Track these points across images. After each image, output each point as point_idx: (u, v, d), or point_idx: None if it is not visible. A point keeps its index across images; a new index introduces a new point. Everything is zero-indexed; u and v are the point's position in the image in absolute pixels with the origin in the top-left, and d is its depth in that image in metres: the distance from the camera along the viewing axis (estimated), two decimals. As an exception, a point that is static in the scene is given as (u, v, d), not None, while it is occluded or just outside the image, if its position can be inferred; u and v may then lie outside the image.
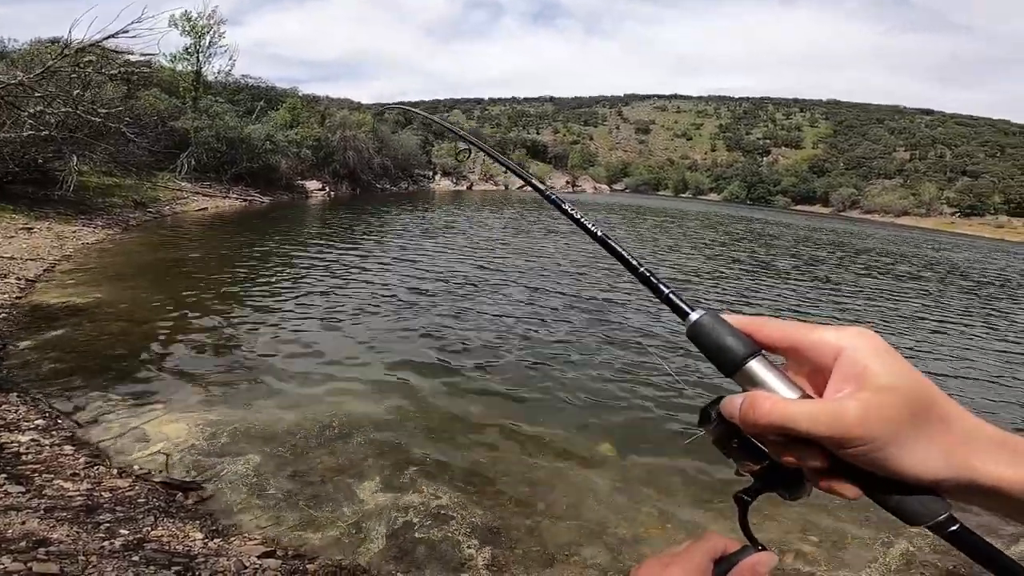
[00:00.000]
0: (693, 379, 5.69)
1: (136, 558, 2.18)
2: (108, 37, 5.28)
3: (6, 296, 5.88)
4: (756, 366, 0.39)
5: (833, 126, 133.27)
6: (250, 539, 2.70)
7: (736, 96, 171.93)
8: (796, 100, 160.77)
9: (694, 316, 0.41)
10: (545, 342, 6.45)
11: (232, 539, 2.66)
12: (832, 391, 0.37)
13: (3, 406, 3.59)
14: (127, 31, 5.23)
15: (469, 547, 2.86)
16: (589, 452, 4.03)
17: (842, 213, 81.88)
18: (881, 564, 3.08)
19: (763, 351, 0.39)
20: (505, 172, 59.68)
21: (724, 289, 11.16)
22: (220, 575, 2.30)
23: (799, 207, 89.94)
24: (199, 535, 2.58)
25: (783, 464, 0.39)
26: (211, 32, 23.40)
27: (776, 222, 40.52)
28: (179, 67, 23.41)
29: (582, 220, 0.55)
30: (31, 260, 7.50)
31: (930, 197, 76.28)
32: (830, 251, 22.37)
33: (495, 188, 53.83)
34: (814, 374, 0.39)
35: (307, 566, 2.56)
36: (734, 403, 0.38)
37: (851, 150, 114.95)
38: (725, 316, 0.41)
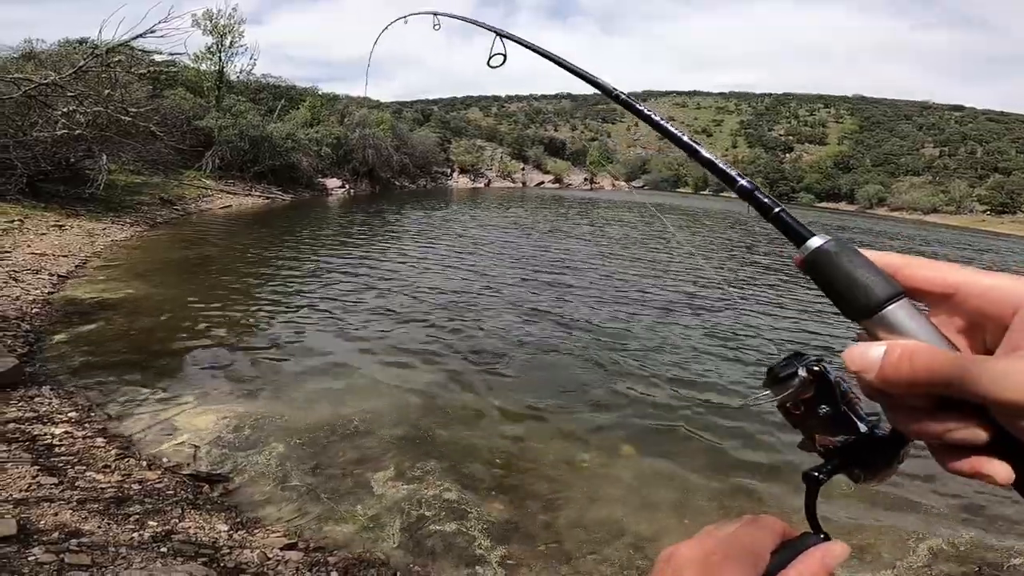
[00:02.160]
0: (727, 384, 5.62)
1: (164, 549, 2.26)
2: (136, 37, 5.42)
3: (39, 292, 6.09)
4: (899, 311, 0.31)
5: (859, 122, 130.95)
6: (273, 531, 2.76)
7: (758, 92, 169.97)
8: (820, 96, 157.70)
9: (817, 241, 0.35)
10: (564, 340, 6.45)
11: (256, 531, 2.73)
12: (1008, 349, 0.29)
13: (37, 399, 3.73)
14: (154, 31, 5.35)
15: (484, 543, 2.88)
16: (608, 449, 4.02)
17: (868, 211, 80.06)
18: (905, 564, 3.02)
19: (906, 295, 0.32)
20: (523, 169, 59.64)
21: (757, 298, 9.65)
22: (244, 567, 2.36)
23: (823, 204, 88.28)
24: (224, 527, 2.66)
25: (880, 438, 0.34)
26: (232, 31, 23.92)
27: (804, 221, 39.17)
28: (203, 67, 23.99)
29: (670, 129, 0.50)
30: (63, 257, 7.75)
31: (960, 194, 73.86)
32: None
33: (512, 186, 53.88)
34: (971, 329, 0.33)
35: (328, 558, 2.61)
36: (869, 354, 0.31)
37: (878, 146, 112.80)
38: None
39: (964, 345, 0.32)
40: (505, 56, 0.82)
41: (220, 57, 24.28)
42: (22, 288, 6.02)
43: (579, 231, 18.63)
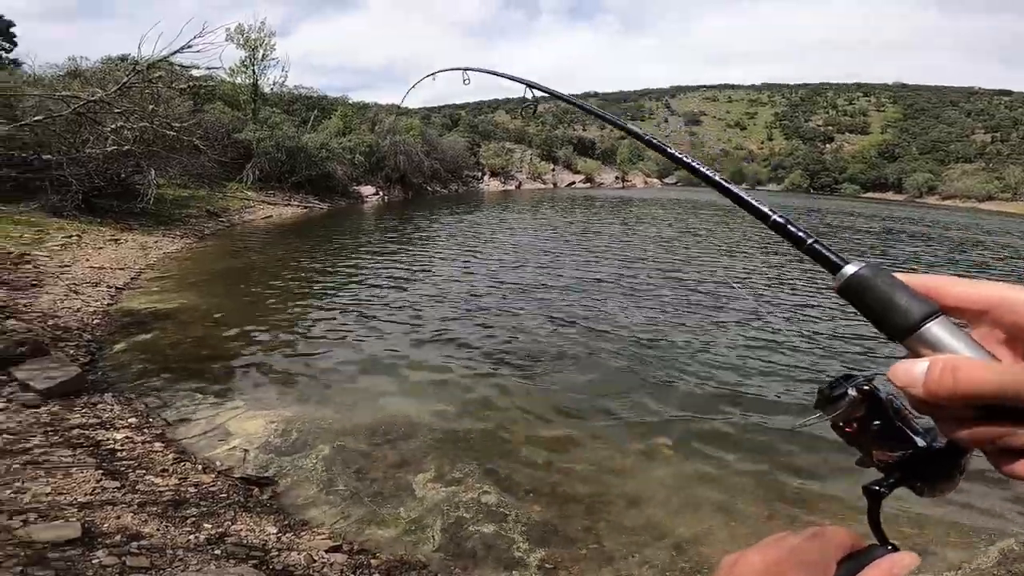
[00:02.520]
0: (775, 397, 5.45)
1: (218, 552, 2.35)
2: (175, 52, 5.62)
3: (98, 303, 6.47)
4: (937, 328, 0.33)
5: (902, 110, 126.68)
6: (319, 533, 2.84)
7: (791, 83, 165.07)
8: (859, 84, 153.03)
9: (851, 268, 0.36)
10: (599, 343, 6.40)
11: (303, 533, 2.81)
12: None
13: (99, 405, 3.96)
14: (190, 46, 5.55)
15: (524, 545, 2.88)
16: (648, 451, 3.96)
17: (918, 199, 76.08)
18: (973, 567, 2.85)
19: (944, 313, 0.34)
20: (553, 170, 59.53)
21: (815, 311, 8.17)
22: (292, 569, 2.43)
23: (869, 195, 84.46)
24: (273, 529, 2.75)
25: (937, 450, 0.34)
26: (263, 44, 24.82)
27: (850, 212, 37.02)
28: (238, 80, 24.96)
29: (699, 167, 0.53)
30: (119, 269, 8.21)
31: (1016, 181, 69.32)
32: (936, 244, 19.75)
33: (543, 187, 53.73)
34: (1011, 342, 0.34)
35: (371, 561, 2.67)
36: (913, 370, 0.32)
37: (924, 134, 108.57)
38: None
39: (1006, 357, 0.33)
40: (535, 106, 0.91)
41: (254, 70, 25.21)
42: (83, 300, 6.41)
43: (611, 230, 18.41)
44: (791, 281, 10.58)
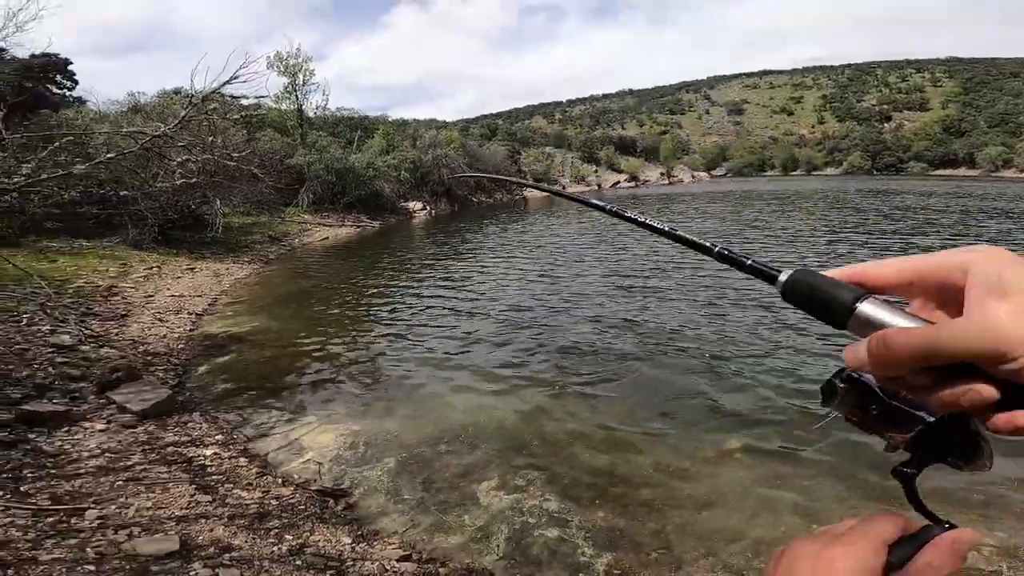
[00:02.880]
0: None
1: (299, 562, 2.50)
2: (224, 84, 5.87)
3: (181, 329, 7.02)
4: (869, 307, 0.35)
5: (961, 84, 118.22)
6: (390, 543, 2.94)
7: (836, 64, 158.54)
8: (909, 61, 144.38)
9: (784, 276, 0.39)
10: (655, 346, 6.27)
11: (375, 543, 2.92)
12: (969, 307, 0.32)
13: (189, 424, 4.30)
14: (237, 76, 5.77)
15: (589, 551, 2.86)
16: (715, 453, 3.84)
17: (994, 174, 69.74)
18: None
19: (873, 294, 0.36)
20: (596, 172, 59.01)
21: None
22: (366, 578, 2.54)
23: (939, 172, 78.49)
24: (348, 539, 2.88)
25: (941, 421, 0.35)
26: (302, 70, 26.14)
27: (924, 191, 33.62)
28: (283, 106, 26.41)
29: (639, 219, 0.54)
30: (197, 296, 8.87)
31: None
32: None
33: (587, 189, 53.29)
34: (942, 306, 0.36)
35: (439, 570, 2.74)
36: (858, 349, 0.34)
37: (990, 107, 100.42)
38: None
39: (944, 320, 0.35)
40: (524, 201, 1.01)
41: (297, 96, 26.58)
42: (167, 327, 6.98)
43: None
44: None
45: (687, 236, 0.48)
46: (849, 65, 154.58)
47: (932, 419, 0.35)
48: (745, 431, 4.10)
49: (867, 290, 0.36)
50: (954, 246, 0.35)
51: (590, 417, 4.45)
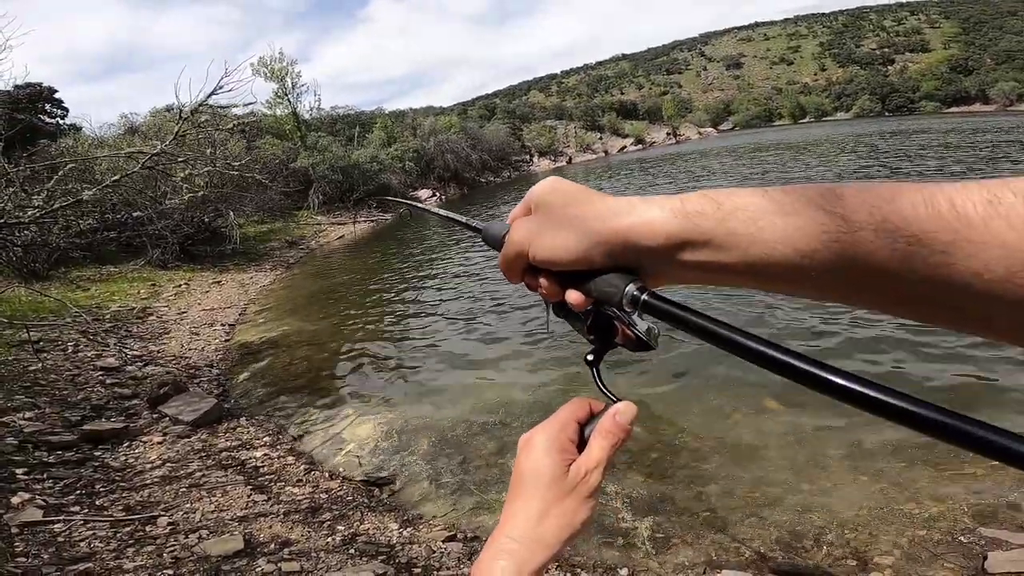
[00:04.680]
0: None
1: (352, 551, 2.67)
2: (210, 95, 5.84)
3: (218, 341, 7.30)
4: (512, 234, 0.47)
5: (959, 24, 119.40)
6: (435, 526, 3.09)
7: (827, 12, 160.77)
8: (901, 4, 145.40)
9: (481, 226, 0.55)
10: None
11: (420, 527, 3.08)
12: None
13: (238, 429, 4.53)
14: (222, 86, 5.74)
15: (629, 516, 2.93)
16: (752, 409, 3.82)
17: (1010, 108, 67.70)
18: None
19: None
20: (600, 139, 57.92)
21: None
22: (415, 561, 2.69)
23: (953, 110, 77.07)
24: (395, 525, 3.05)
25: (587, 312, 0.44)
26: (288, 73, 25.98)
27: (945, 128, 31.40)
28: (277, 111, 26.41)
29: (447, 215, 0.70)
30: (227, 308, 9.17)
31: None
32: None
33: (594, 156, 52.45)
34: None
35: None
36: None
37: (993, 45, 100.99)
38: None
39: None
40: (411, 214, 1.34)
41: (289, 99, 26.52)
42: (204, 340, 7.27)
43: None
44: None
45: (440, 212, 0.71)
46: (842, 12, 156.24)
47: (581, 313, 0.44)
48: (783, 384, 4.11)
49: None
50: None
51: (621, 384, 4.51)
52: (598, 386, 0.48)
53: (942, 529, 2.59)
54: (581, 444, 0.46)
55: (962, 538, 2.51)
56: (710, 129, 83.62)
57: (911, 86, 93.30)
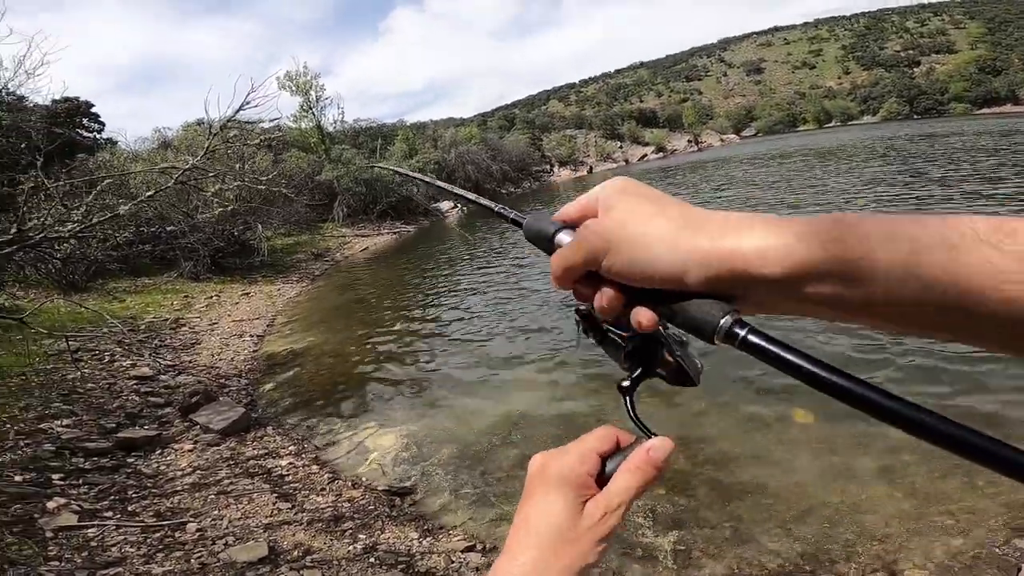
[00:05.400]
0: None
1: (372, 560, 2.69)
2: (237, 111, 5.91)
3: (246, 352, 7.49)
4: (561, 235, 0.43)
5: (984, 24, 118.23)
6: (454, 536, 3.09)
7: (848, 15, 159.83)
8: (922, 5, 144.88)
9: (524, 220, 0.48)
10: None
11: (440, 537, 3.09)
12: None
13: (265, 438, 4.63)
14: (249, 102, 5.81)
15: (651, 531, 2.89)
16: (780, 417, 3.75)
17: None
18: None
19: (572, 226, 0.43)
20: (620, 147, 57.87)
21: None
22: (433, 570, 2.70)
23: (984, 111, 75.01)
24: (415, 535, 3.06)
25: (634, 338, 0.40)
26: (312, 87, 26.61)
27: (977, 131, 30.09)
28: (302, 125, 27.06)
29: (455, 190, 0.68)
30: (255, 319, 9.40)
31: None
32: None
33: (615, 165, 52.35)
34: None
35: (505, 557, 2.87)
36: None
37: (1020, 44, 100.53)
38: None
39: None
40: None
41: (313, 112, 27.14)
42: (233, 351, 7.46)
43: (703, 204, 17.43)
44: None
45: (462, 192, 0.64)
46: (864, 14, 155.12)
47: (626, 335, 0.41)
48: (812, 394, 3.98)
49: (566, 224, 0.43)
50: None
51: (643, 396, 4.46)
52: (631, 418, 0.43)
53: (976, 541, 2.49)
54: (601, 479, 0.41)
55: (997, 550, 2.43)
56: (732, 136, 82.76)
57: (939, 88, 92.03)
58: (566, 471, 0.41)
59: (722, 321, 0.34)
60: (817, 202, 12.89)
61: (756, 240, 0.33)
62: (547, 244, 0.44)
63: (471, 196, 0.62)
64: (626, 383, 0.43)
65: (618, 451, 0.42)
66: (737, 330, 0.33)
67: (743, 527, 2.83)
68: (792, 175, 19.85)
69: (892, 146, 26.47)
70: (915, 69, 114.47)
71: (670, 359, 0.40)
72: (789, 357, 0.32)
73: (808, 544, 2.64)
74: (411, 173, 0.90)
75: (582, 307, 0.44)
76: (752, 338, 0.33)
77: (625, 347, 0.42)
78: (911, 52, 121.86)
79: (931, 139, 28.41)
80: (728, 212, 0.36)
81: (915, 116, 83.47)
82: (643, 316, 0.37)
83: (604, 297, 0.39)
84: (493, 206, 0.55)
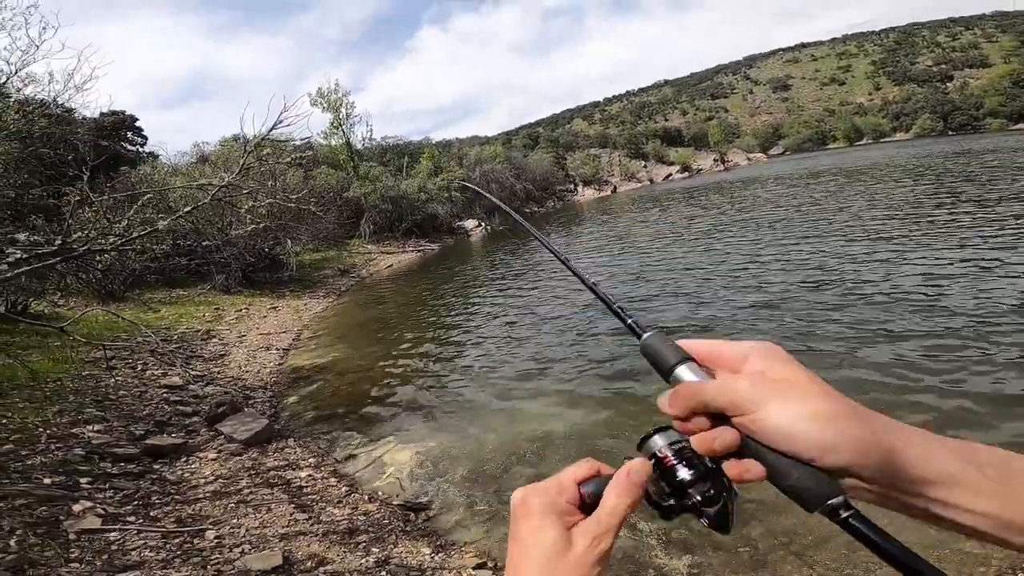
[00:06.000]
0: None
1: (383, 573, 2.70)
2: (271, 129, 6.11)
3: (272, 365, 7.67)
4: (683, 369, 0.45)
5: (1016, 37, 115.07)
6: (466, 552, 3.09)
7: (877, 29, 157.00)
8: (953, 20, 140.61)
9: (645, 336, 0.49)
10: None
11: (452, 553, 3.09)
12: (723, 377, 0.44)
13: (286, 450, 4.71)
14: (282, 120, 6.01)
15: (667, 554, 2.84)
16: None
17: None
18: None
19: (693, 360, 0.45)
20: (645, 167, 57.79)
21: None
22: (444, 586, 2.70)
23: (1020, 126, 71.99)
24: (427, 550, 3.07)
25: (704, 472, 0.41)
26: (343, 104, 27.37)
27: (1011, 147, 29.38)
28: (332, 142, 27.81)
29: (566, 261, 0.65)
30: (282, 333, 9.64)
31: None
32: None
33: (639, 185, 52.21)
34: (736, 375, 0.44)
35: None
36: (664, 397, 0.44)
37: None
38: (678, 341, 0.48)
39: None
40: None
41: (343, 130, 27.87)
42: (260, 363, 7.66)
43: (718, 224, 17.20)
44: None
45: (574, 268, 0.62)
46: (893, 29, 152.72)
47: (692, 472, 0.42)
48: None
49: (689, 357, 0.45)
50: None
51: (661, 421, 4.39)
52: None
53: (1000, 568, 2.41)
54: (583, 506, 0.44)
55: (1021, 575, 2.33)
56: (759, 154, 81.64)
57: (974, 103, 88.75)
58: (548, 502, 0.43)
59: (832, 500, 0.37)
60: (850, 225, 12.57)
61: (926, 445, 0.38)
62: (664, 371, 0.46)
63: (569, 266, 0.63)
64: (670, 507, 0.44)
65: (597, 477, 0.45)
66: (843, 513, 0.37)
67: (760, 553, 2.77)
68: (821, 195, 19.41)
69: (926, 165, 25.60)
70: (948, 84, 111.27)
71: (728, 508, 0.42)
72: (891, 549, 0.35)
73: (826, 570, 2.58)
74: (500, 203, 0.92)
75: (672, 439, 0.44)
76: (855, 523, 0.37)
77: (704, 488, 0.42)
78: (943, 67, 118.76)
79: (967, 155, 27.25)
80: (900, 423, 0.40)
81: (950, 132, 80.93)
82: (754, 470, 0.40)
83: (723, 441, 0.40)
84: (611, 301, 0.55)
